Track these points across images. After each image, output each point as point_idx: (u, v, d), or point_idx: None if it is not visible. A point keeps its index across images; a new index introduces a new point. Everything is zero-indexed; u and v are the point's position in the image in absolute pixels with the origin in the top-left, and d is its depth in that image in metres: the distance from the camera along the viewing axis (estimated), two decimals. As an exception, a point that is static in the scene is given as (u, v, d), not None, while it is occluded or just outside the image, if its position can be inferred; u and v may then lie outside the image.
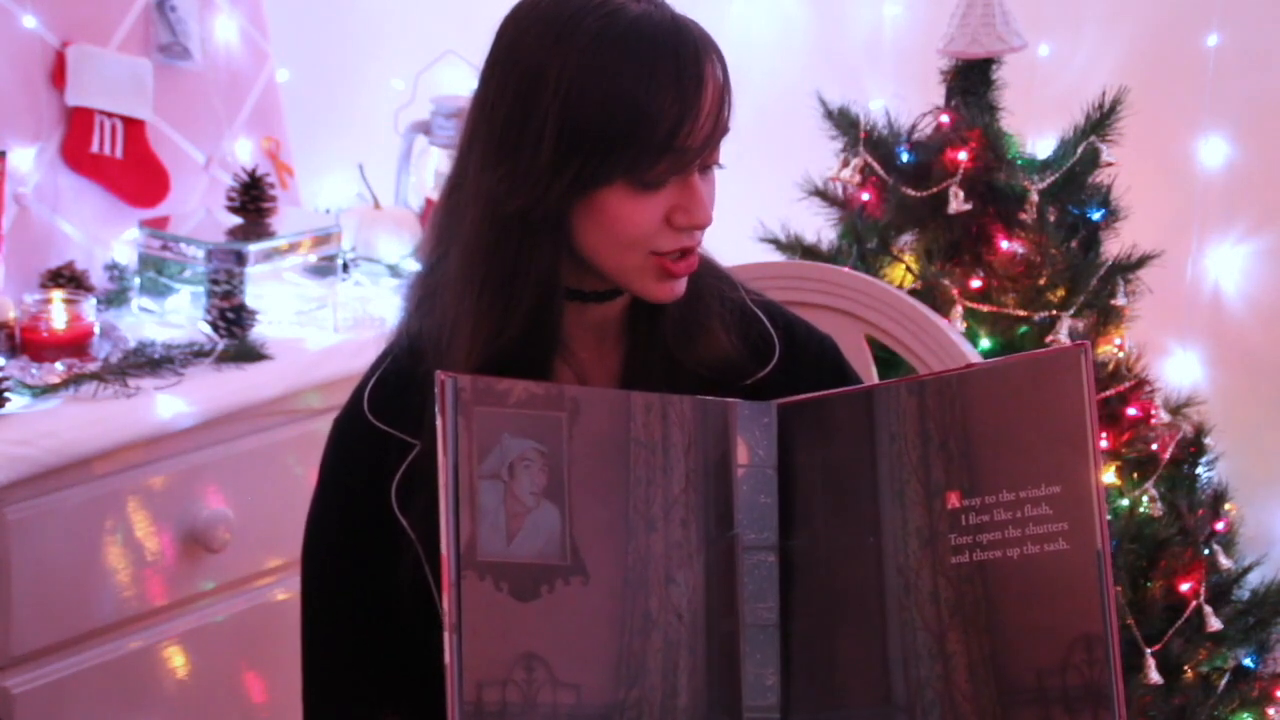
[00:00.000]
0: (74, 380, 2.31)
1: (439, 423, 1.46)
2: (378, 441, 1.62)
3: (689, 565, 1.51)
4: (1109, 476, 2.54)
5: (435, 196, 2.96)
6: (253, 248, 2.58)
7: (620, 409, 1.52)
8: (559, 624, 1.47)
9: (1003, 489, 1.48)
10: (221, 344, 2.47)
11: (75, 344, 2.37)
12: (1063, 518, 1.46)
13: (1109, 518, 1.65)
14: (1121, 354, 2.58)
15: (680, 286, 1.57)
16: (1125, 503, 2.56)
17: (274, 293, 2.63)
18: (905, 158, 2.58)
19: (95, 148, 2.65)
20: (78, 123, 2.63)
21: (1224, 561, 2.65)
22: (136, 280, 2.62)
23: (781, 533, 1.55)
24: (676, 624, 1.50)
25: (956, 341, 1.96)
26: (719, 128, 1.52)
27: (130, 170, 2.69)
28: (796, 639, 1.54)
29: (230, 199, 2.68)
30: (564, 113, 1.49)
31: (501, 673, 1.45)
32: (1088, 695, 1.44)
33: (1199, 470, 2.68)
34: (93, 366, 2.35)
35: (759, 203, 2.65)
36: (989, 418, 1.50)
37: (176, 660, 2.43)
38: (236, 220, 2.66)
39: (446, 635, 1.44)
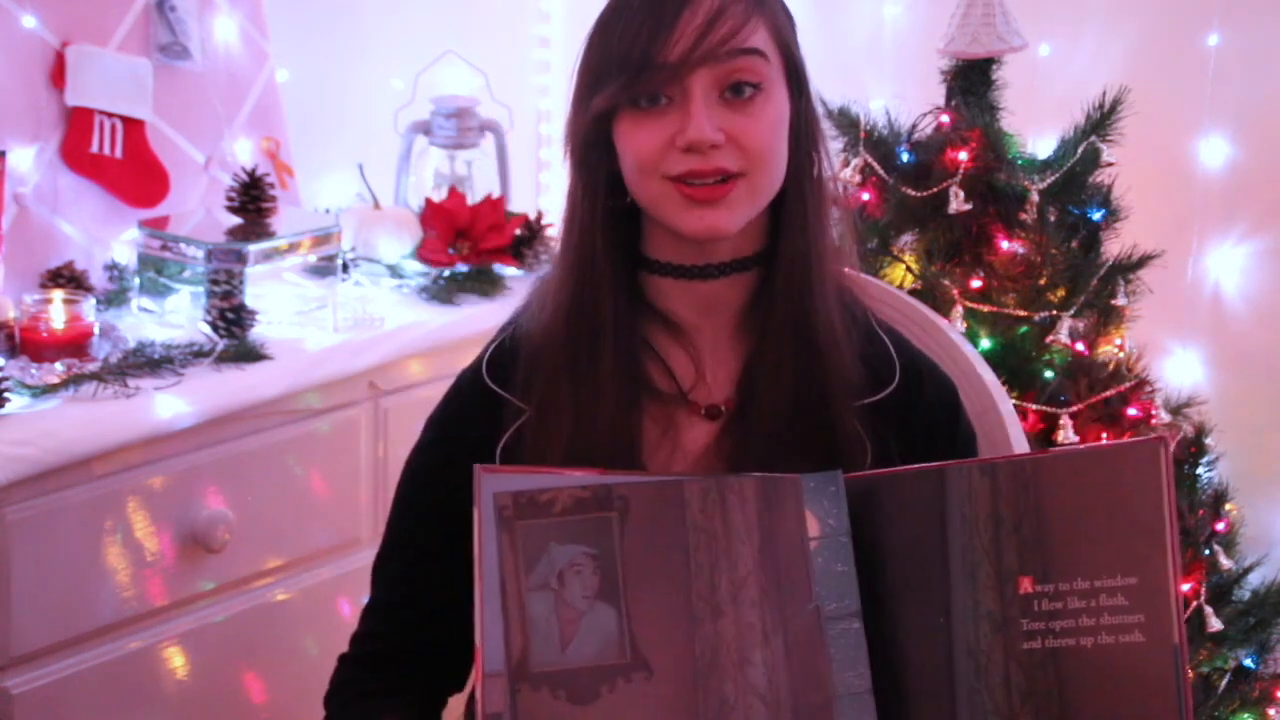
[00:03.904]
0: (74, 380, 2.31)
1: (475, 522, 1.45)
2: (491, 403, 1.67)
3: (766, 644, 1.48)
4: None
5: (435, 197, 2.96)
6: (253, 248, 2.58)
7: (674, 498, 1.49)
8: None
9: (1077, 577, 1.47)
10: (221, 344, 2.46)
11: (75, 344, 2.37)
12: (1139, 610, 1.45)
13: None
14: (1122, 354, 2.58)
15: (711, 219, 1.57)
16: (1125, 503, 2.55)
17: (274, 293, 2.62)
18: (905, 158, 2.58)
19: (95, 148, 2.65)
20: (77, 123, 2.63)
21: (1224, 562, 2.65)
22: (136, 280, 2.62)
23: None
24: (758, 705, 1.47)
25: (957, 342, 1.96)
26: (704, 40, 1.54)
27: (130, 170, 2.68)
28: None
29: (230, 199, 2.67)
30: (583, 61, 1.61)
31: None
32: None
33: (1200, 470, 2.68)
34: (92, 367, 2.35)
35: (759, 203, 2.65)
36: (1064, 505, 1.48)
37: (176, 660, 2.43)
38: (236, 220, 2.66)
39: None
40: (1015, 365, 2.50)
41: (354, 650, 1.76)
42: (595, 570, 1.47)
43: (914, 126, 2.61)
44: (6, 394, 2.25)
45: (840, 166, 2.62)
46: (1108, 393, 2.53)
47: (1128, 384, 2.55)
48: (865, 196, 2.60)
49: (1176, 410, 2.69)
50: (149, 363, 2.40)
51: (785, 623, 1.49)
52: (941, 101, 2.62)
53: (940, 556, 1.51)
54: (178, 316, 2.58)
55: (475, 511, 1.46)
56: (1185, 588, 2.58)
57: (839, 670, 1.50)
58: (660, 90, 1.56)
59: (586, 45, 1.60)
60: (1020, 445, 1.89)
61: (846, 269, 1.71)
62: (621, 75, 1.56)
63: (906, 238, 2.59)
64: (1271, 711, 2.69)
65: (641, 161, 1.57)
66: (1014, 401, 2.34)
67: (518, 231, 2.90)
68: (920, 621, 1.51)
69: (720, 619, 1.48)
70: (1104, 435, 2.51)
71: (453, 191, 2.95)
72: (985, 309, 2.52)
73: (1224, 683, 2.66)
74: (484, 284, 2.80)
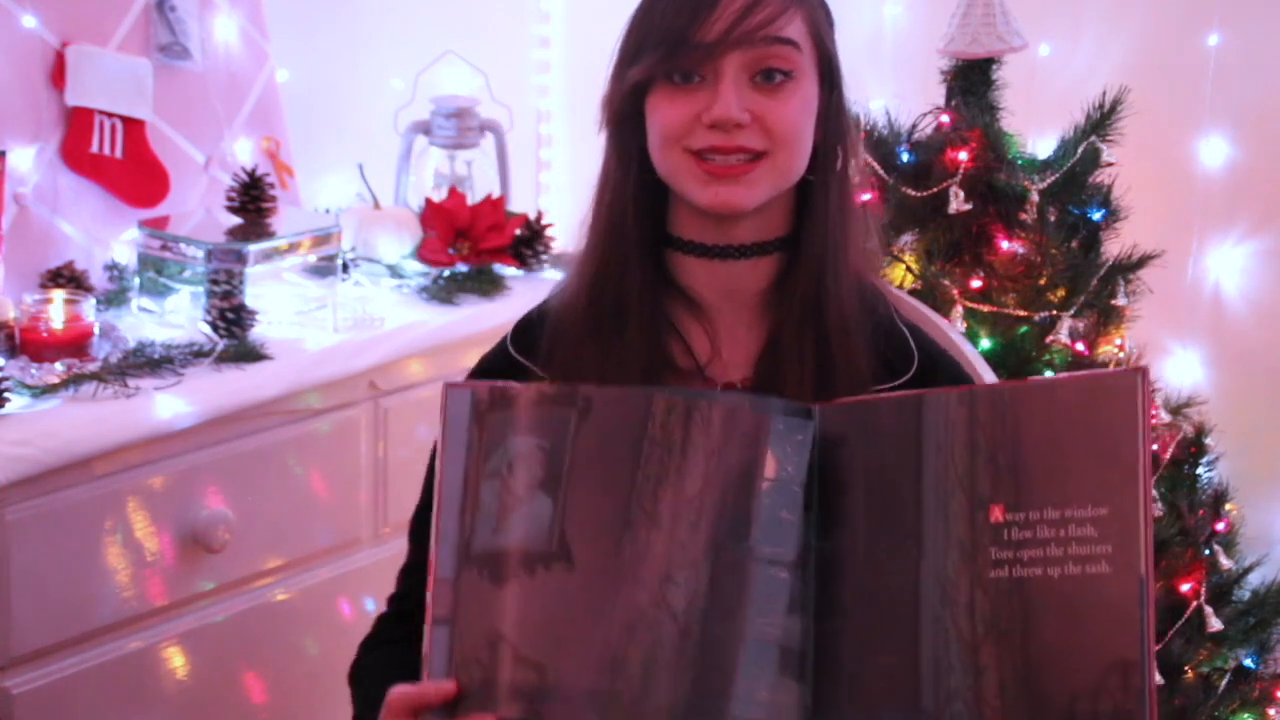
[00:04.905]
0: (74, 380, 2.31)
1: (439, 438, 1.51)
2: (516, 372, 1.72)
3: (693, 568, 1.50)
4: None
5: (435, 197, 2.96)
6: (253, 248, 2.58)
7: (639, 409, 1.52)
8: (533, 607, 1.48)
9: (1048, 506, 1.47)
10: (221, 344, 2.46)
11: (75, 344, 2.37)
12: (1107, 540, 1.45)
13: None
14: (1122, 354, 2.58)
15: (727, 194, 1.63)
16: (1125, 503, 2.55)
17: (274, 293, 2.62)
18: (905, 158, 2.58)
19: (95, 148, 2.65)
20: (77, 123, 2.63)
21: (1224, 562, 2.65)
22: (136, 280, 2.62)
23: (820, 534, 1.54)
24: (668, 622, 1.49)
25: (957, 342, 1.96)
26: (739, 25, 1.60)
27: (130, 170, 2.68)
28: (828, 640, 1.52)
29: (230, 199, 2.67)
30: (625, 34, 1.67)
31: (471, 654, 1.48)
32: None
33: (1199, 470, 2.68)
34: (92, 367, 2.35)
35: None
36: (1040, 434, 1.48)
37: (176, 660, 2.43)
38: (236, 220, 2.66)
39: (426, 629, 1.49)
40: (1015, 365, 2.50)
41: (389, 608, 1.81)
42: (544, 462, 1.50)
43: (914, 126, 2.61)
44: (6, 394, 2.24)
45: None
46: (1108, 393, 2.52)
47: (1128, 384, 2.54)
48: (865, 196, 2.60)
49: (1176, 410, 2.69)
50: (149, 363, 2.40)
51: (717, 553, 1.50)
52: (941, 101, 2.62)
53: (914, 483, 1.52)
54: (178, 316, 2.58)
55: (440, 428, 1.51)
56: (1185, 588, 2.58)
57: (755, 614, 1.51)
58: (694, 68, 1.62)
59: (630, 19, 1.67)
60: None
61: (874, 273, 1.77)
62: (659, 49, 1.62)
63: (906, 238, 2.59)
64: (1271, 711, 2.69)
65: (667, 133, 1.63)
66: (1014, 401, 2.33)
67: (518, 231, 2.90)
68: (890, 548, 1.52)
69: (655, 531, 1.50)
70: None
71: (453, 191, 2.95)
72: (985, 309, 2.52)
73: (1224, 683, 2.66)
74: (484, 284, 2.80)
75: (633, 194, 1.68)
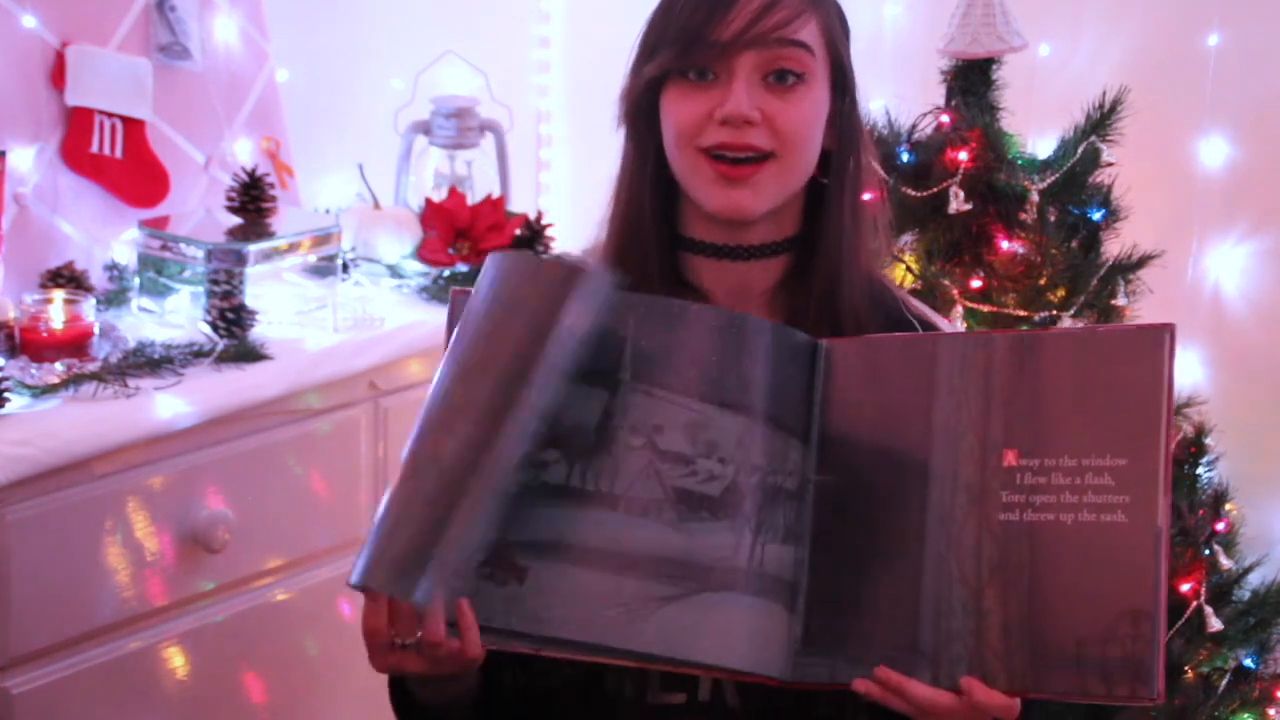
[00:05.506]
0: (74, 380, 2.31)
1: (446, 333, 1.58)
2: None
3: (474, 422, 1.48)
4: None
5: (435, 197, 2.96)
6: (253, 248, 2.58)
7: (530, 275, 1.52)
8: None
9: (1065, 454, 1.48)
10: (221, 344, 2.46)
11: (75, 344, 2.37)
12: (1125, 491, 1.46)
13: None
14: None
15: (736, 198, 1.65)
16: (1125, 503, 2.55)
17: (274, 293, 2.62)
18: (905, 158, 2.58)
19: (95, 148, 2.64)
20: (77, 123, 2.63)
21: (1224, 562, 2.65)
22: (136, 280, 2.62)
23: (819, 467, 1.55)
24: (432, 474, 1.47)
25: (957, 341, 1.97)
26: (755, 25, 1.63)
27: (130, 170, 2.68)
28: (823, 575, 1.52)
29: (230, 199, 2.67)
30: (644, 31, 1.71)
31: None
32: (1127, 668, 1.44)
33: (1199, 470, 2.68)
34: (92, 367, 2.35)
35: (759, 203, 2.65)
36: (1061, 382, 1.50)
37: (176, 660, 2.43)
38: (236, 220, 2.66)
39: None
40: (1015, 365, 2.49)
41: None
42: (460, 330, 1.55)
43: (914, 126, 2.61)
44: (6, 394, 2.24)
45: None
46: (1108, 393, 2.52)
47: (1128, 384, 2.54)
48: (865, 196, 2.60)
49: (1176, 410, 2.68)
50: (149, 363, 2.40)
51: (493, 404, 1.48)
52: (941, 101, 2.62)
53: (923, 424, 1.53)
54: (178, 316, 2.58)
55: (445, 335, 1.57)
56: (1185, 588, 2.58)
57: (499, 467, 1.48)
58: (709, 66, 1.65)
59: (651, 16, 1.70)
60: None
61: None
62: (675, 46, 1.66)
63: (906, 238, 2.59)
64: (1271, 711, 2.69)
65: (680, 130, 1.66)
66: (1014, 401, 2.33)
67: (518, 231, 2.90)
68: (895, 486, 1.53)
69: (460, 385, 1.49)
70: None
71: (453, 191, 2.95)
72: (985, 309, 2.52)
73: (1224, 683, 2.66)
74: (484, 284, 2.80)
75: (649, 190, 1.71)
